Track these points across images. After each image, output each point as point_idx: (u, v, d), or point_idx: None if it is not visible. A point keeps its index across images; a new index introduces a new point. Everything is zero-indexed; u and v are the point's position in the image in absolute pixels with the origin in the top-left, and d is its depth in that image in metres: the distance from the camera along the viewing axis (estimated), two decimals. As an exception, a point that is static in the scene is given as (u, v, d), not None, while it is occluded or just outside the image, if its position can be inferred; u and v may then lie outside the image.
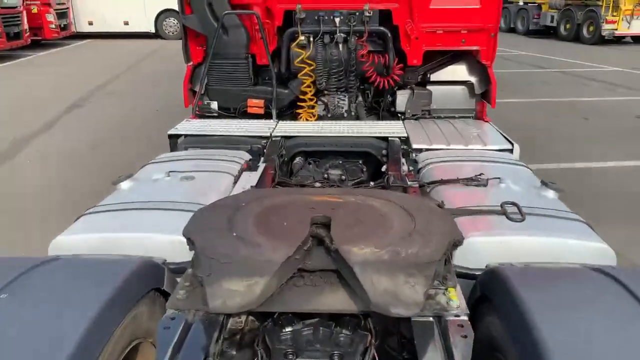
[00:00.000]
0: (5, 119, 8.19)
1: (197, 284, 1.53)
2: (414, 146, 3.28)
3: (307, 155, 3.53)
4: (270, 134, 3.46)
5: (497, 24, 3.77)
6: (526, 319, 1.44)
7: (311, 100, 4.03)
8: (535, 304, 1.48)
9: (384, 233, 1.63)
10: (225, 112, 4.10)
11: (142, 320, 1.68)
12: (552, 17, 19.97)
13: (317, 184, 2.85)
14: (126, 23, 19.12)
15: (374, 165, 3.43)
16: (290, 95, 4.02)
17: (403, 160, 3.10)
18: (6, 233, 4.34)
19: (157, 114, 8.10)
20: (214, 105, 4.10)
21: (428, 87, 4.08)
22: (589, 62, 13.90)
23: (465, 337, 1.42)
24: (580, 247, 1.98)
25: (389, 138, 3.39)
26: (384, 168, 3.13)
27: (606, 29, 17.22)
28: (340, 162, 3.45)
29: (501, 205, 2.11)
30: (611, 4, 16.94)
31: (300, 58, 3.81)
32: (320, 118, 4.15)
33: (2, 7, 13.93)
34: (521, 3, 21.87)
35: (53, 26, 16.57)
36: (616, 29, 17.18)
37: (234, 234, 1.62)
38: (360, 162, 3.48)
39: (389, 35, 3.79)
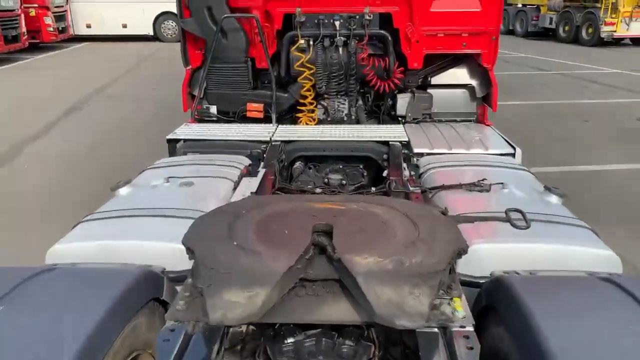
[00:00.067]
0: (4, 122, 8.17)
1: (197, 294, 1.50)
2: (415, 150, 3.25)
3: (307, 160, 3.50)
4: (270, 139, 3.43)
5: (498, 27, 3.75)
6: (533, 329, 1.41)
7: (311, 104, 4.00)
8: (542, 314, 1.45)
9: (387, 241, 1.60)
10: (225, 116, 4.07)
11: (141, 331, 1.65)
12: (551, 19, 20.00)
13: (318, 190, 2.82)
14: (124, 26, 19.08)
15: (375, 169, 3.40)
16: (290, 99, 3.99)
17: (404, 165, 3.07)
18: (5, 234, 4.34)
19: (156, 116, 8.08)
20: (213, 109, 4.07)
21: (429, 90, 4.05)
22: (588, 64, 13.90)
23: (471, 348, 1.40)
24: (586, 254, 1.95)
25: (390, 142, 3.36)
26: (385, 173, 3.10)
27: (605, 31, 17.24)
28: (341, 166, 3.43)
29: (505, 212, 2.08)
30: (610, 6, 16.96)
31: (300, 62, 3.79)
32: (320, 122, 4.12)
33: (0, 10, 13.89)
34: (520, 5, 21.89)
35: (51, 29, 16.54)
36: (615, 31, 17.20)
37: (235, 243, 1.59)
38: (361, 166, 3.45)
39: (390, 38, 3.77)
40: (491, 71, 3.84)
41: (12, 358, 1.30)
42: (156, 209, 2.26)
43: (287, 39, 3.83)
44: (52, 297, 1.52)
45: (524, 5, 21.76)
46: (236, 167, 2.88)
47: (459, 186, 2.50)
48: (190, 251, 1.60)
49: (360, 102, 4.25)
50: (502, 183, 2.49)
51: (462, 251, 1.61)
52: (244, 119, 4.00)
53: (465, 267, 1.90)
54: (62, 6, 17.77)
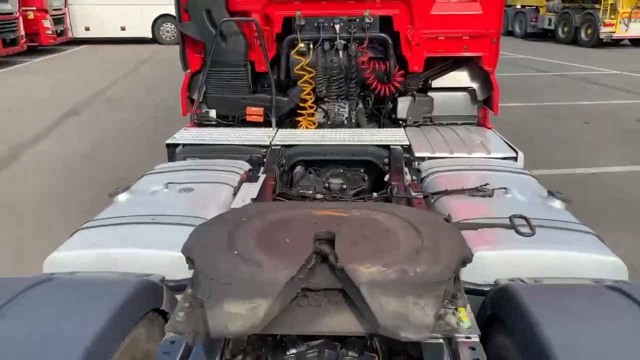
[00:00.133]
0: (2, 125, 8.14)
1: (197, 305, 1.47)
2: (417, 154, 3.23)
3: (308, 164, 3.47)
4: (270, 143, 3.40)
5: (499, 30, 3.73)
6: (539, 340, 1.39)
7: (311, 107, 3.98)
8: (548, 324, 1.42)
9: (390, 250, 1.58)
10: (224, 121, 4.04)
11: (141, 342, 1.62)
12: (550, 20, 20.01)
13: (319, 195, 2.79)
14: (123, 28, 19.05)
15: (376, 173, 3.37)
16: (289, 103, 3.97)
17: (406, 169, 3.05)
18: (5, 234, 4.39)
19: (156, 119, 8.08)
20: (213, 113, 4.04)
21: (430, 93, 4.02)
22: (587, 65, 13.90)
23: None
24: (591, 261, 1.92)
25: (391, 146, 3.34)
26: (386, 178, 3.07)
27: (604, 31, 17.25)
28: (342, 171, 3.40)
29: (510, 219, 2.06)
30: (609, 7, 16.97)
31: (299, 65, 3.76)
32: (320, 126, 4.09)
33: (-2, 14, 13.91)
34: (519, 6, 21.90)
35: (49, 32, 16.51)
36: (614, 32, 17.20)
37: (235, 252, 1.57)
38: (362, 170, 3.43)
39: (390, 41, 3.74)
40: (492, 74, 3.82)
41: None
42: (155, 216, 2.24)
43: (286, 42, 3.80)
44: (49, 309, 1.49)
45: (522, 6, 21.78)
46: (236, 173, 2.86)
47: (461, 191, 2.47)
48: (190, 261, 1.57)
49: (361, 105, 4.22)
50: (505, 188, 2.47)
51: (466, 259, 1.59)
52: (244, 123, 3.97)
53: (469, 274, 1.88)
54: (61, 9, 17.75)
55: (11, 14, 14.47)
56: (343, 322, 1.45)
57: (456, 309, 1.51)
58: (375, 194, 2.80)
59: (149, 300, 1.70)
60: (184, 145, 3.46)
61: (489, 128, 3.88)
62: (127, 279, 1.72)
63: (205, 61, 3.87)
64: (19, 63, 14.65)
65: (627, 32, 17.30)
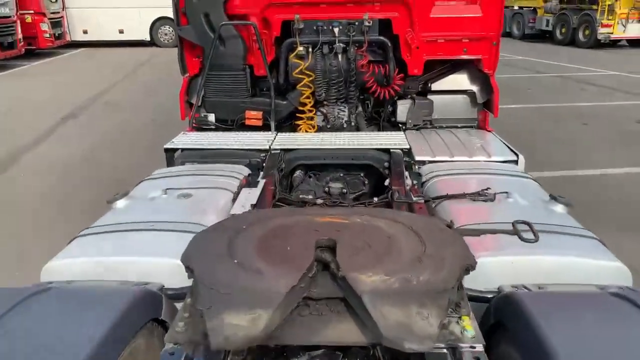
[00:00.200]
0: (1, 128, 8.12)
1: (197, 314, 1.45)
2: (417, 158, 3.21)
3: (307, 168, 3.45)
4: (269, 147, 3.38)
5: (498, 32, 3.71)
6: (544, 349, 1.37)
7: (310, 111, 3.95)
8: (553, 333, 1.40)
9: (392, 258, 1.56)
10: (223, 125, 4.02)
11: (140, 353, 1.60)
12: (548, 21, 20.04)
13: (319, 200, 2.76)
14: (121, 31, 19.04)
15: (376, 177, 3.35)
16: (289, 107, 3.94)
17: (406, 173, 3.02)
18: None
19: (154, 122, 8.07)
20: (211, 117, 4.02)
21: (429, 96, 4.01)
22: (585, 66, 13.91)
23: None
24: (595, 266, 1.90)
25: (391, 150, 3.32)
26: (386, 182, 3.05)
27: (602, 32, 17.28)
28: (341, 175, 3.38)
29: (513, 225, 2.04)
30: (606, 8, 17.00)
31: (299, 69, 3.74)
32: (319, 129, 4.07)
33: (-4, 17, 13.88)
34: (516, 7, 21.92)
35: (47, 35, 16.49)
36: (612, 33, 17.23)
37: (235, 261, 1.55)
38: (362, 174, 3.40)
39: (389, 44, 3.72)
40: (492, 77, 3.80)
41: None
42: (154, 223, 2.21)
43: (285, 46, 3.78)
44: (47, 320, 1.47)
45: (520, 7, 21.79)
46: (235, 178, 2.83)
47: (462, 196, 2.45)
48: (189, 270, 1.55)
49: (360, 108, 4.20)
50: (506, 192, 2.45)
51: (470, 267, 1.57)
52: (243, 127, 3.95)
53: (472, 281, 1.84)
54: (59, 12, 17.72)
55: (9, 17, 14.44)
56: (345, 332, 1.43)
57: (460, 317, 1.49)
58: (375, 199, 2.77)
59: (148, 310, 1.68)
60: (182, 149, 3.44)
61: (489, 131, 3.86)
62: (125, 289, 1.69)
63: (204, 65, 3.85)
64: (16, 67, 14.61)
65: (625, 33, 17.32)
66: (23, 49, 15.23)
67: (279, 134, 3.71)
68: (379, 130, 4.12)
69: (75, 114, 8.99)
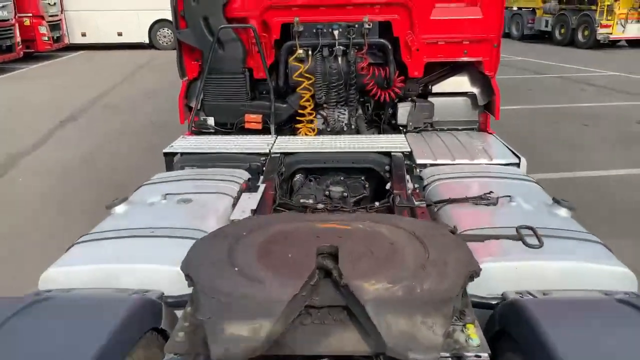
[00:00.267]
0: (0, 131, 8.10)
1: (197, 324, 1.43)
2: (418, 161, 3.18)
3: (308, 172, 3.42)
4: (269, 151, 3.36)
5: (499, 34, 3.70)
6: (551, 357, 1.34)
7: (310, 114, 3.93)
8: (560, 341, 1.38)
9: (395, 265, 1.53)
10: (222, 128, 3.99)
11: (139, 363, 1.57)
12: (547, 21, 20.04)
13: (320, 205, 2.74)
14: (120, 34, 19.02)
15: (377, 180, 3.33)
16: (288, 110, 3.92)
17: (407, 176, 3.00)
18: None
19: (153, 124, 8.05)
20: (211, 121, 4.00)
21: (430, 99, 3.99)
22: (585, 66, 13.90)
23: None
24: (600, 271, 1.88)
25: (392, 153, 3.29)
26: (388, 186, 3.03)
27: (601, 33, 17.28)
28: (342, 178, 3.35)
29: (516, 230, 2.01)
30: (605, 8, 17.00)
31: (298, 72, 3.72)
32: (319, 132, 4.05)
33: (-6, 20, 13.85)
34: (515, 8, 21.92)
35: (46, 38, 16.45)
36: (611, 33, 17.24)
37: (236, 269, 1.52)
38: (363, 178, 3.38)
39: (389, 47, 3.71)
40: (493, 79, 3.78)
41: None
42: (153, 229, 2.19)
43: (285, 49, 3.76)
44: (45, 330, 1.44)
45: (519, 8, 21.80)
46: (235, 182, 2.81)
47: (465, 200, 2.43)
48: (189, 278, 1.52)
49: (360, 111, 4.18)
50: (509, 196, 2.43)
51: (474, 274, 1.54)
52: (242, 131, 3.93)
53: (475, 287, 1.82)
54: (57, 15, 17.68)
55: (7, 20, 14.42)
56: (348, 341, 1.41)
57: (464, 325, 1.47)
58: (377, 204, 2.75)
59: (148, 319, 1.65)
60: (182, 154, 3.42)
61: (491, 133, 3.84)
62: (125, 297, 1.67)
63: (203, 68, 3.83)
64: (15, 70, 14.59)
65: (624, 34, 17.33)
66: (21, 52, 15.21)
67: (278, 137, 3.69)
68: (379, 133, 4.10)
69: (75, 117, 8.98)
